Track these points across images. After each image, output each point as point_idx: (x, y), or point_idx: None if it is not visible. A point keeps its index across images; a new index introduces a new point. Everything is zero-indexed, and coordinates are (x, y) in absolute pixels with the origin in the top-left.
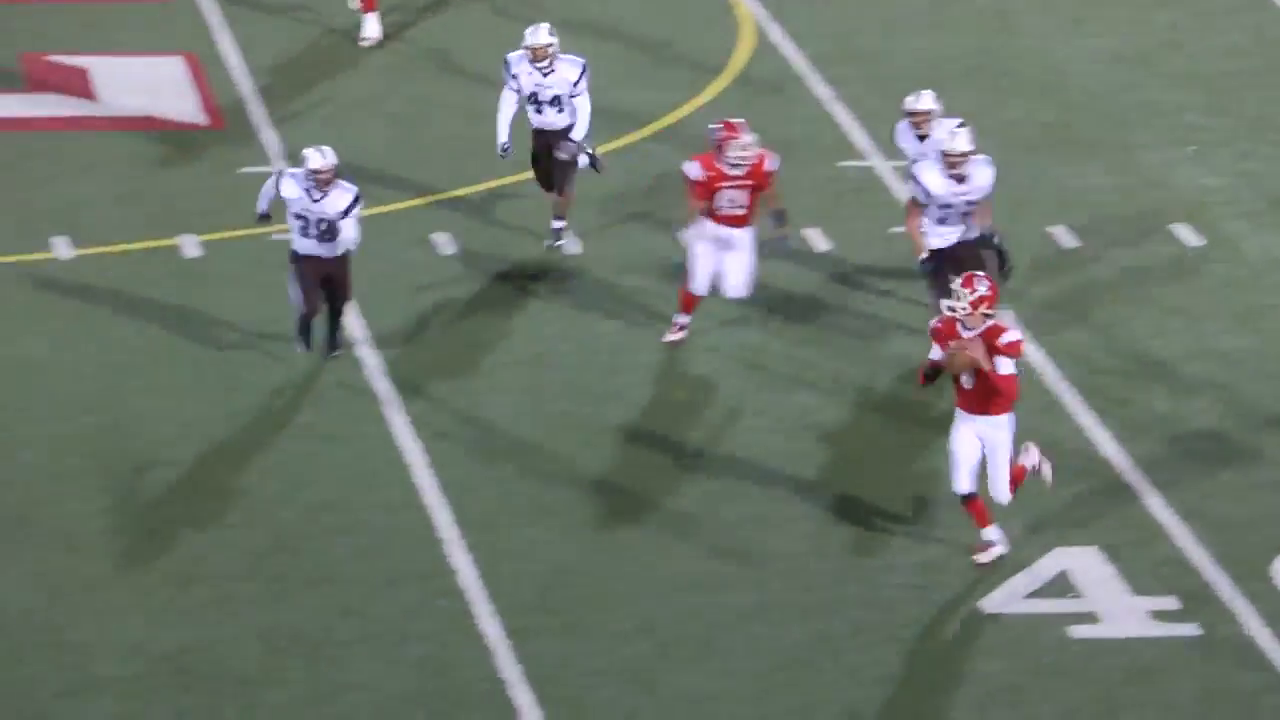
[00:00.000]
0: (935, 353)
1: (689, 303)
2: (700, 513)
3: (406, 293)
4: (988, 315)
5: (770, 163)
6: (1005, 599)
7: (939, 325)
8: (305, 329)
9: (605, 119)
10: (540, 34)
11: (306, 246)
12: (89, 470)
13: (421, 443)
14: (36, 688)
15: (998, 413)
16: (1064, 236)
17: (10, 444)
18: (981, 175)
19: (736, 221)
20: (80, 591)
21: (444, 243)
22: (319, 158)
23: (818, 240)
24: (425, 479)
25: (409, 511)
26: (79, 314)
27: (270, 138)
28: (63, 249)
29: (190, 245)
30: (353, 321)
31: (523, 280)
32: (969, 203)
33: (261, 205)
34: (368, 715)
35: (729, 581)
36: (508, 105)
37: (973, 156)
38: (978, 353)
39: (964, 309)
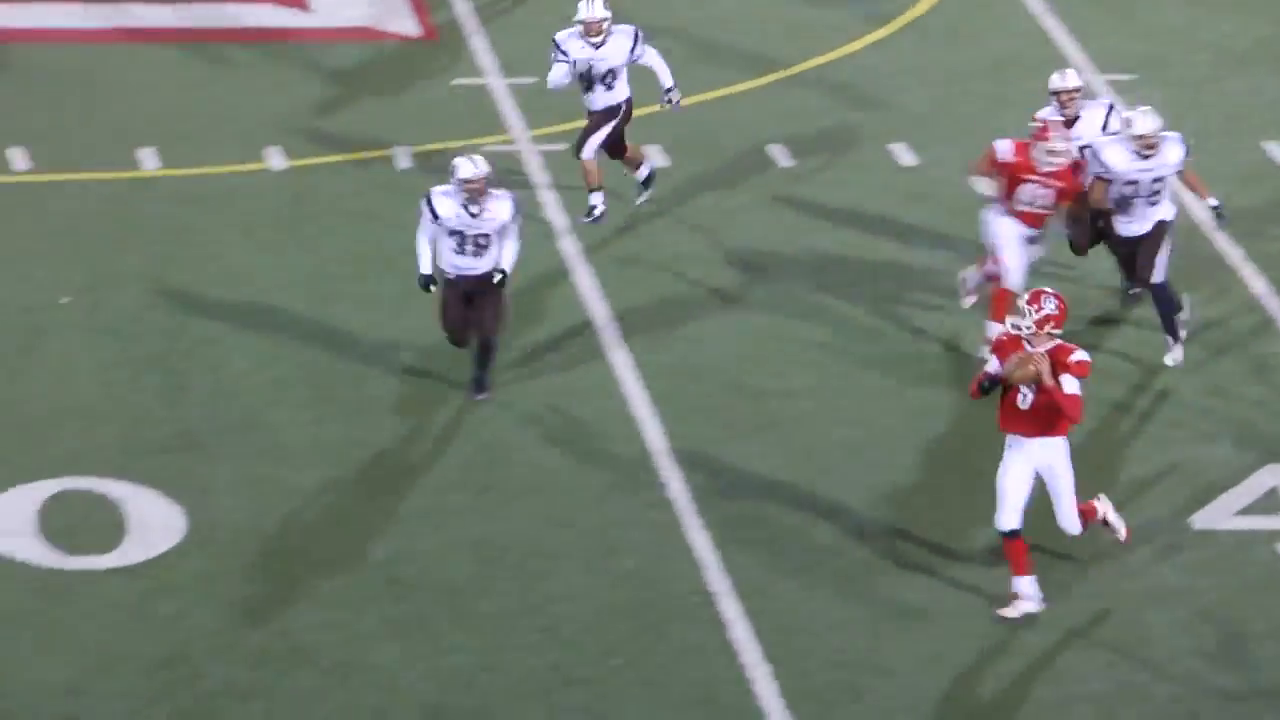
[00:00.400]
0: (993, 365)
1: (1005, 299)
2: (909, 428)
3: (619, 205)
4: (1053, 335)
5: (1081, 176)
6: (1215, 516)
7: (1003, 340)
8: (459, 343)
9: (825, 22)
10: (595, 7)
11: (455, 263)
12: (300, 380)
13: (633, 356)
14: (249, 596)
15: (1052, 434)
16: (1278, 152)
17: (224, 354)
18: (1171, 152)
19: (1034, 220)
20: (291, 501)
21: (657, 154)
22: (470, 166)
23: None
24: (636, 392)
25: (619, 424)
26: (292, 225)
27: (483, 49)
28: (276, 160)
29: (403, 157)
30: (563, 235)
31: (734, 191)
32: (1156, 179)
33: (423, 266)
34: (577, 626)
35: (940, 495)
36: (558, 76)
37: (1163, 134)
38: (1043, 367)
39: (1029, 327)
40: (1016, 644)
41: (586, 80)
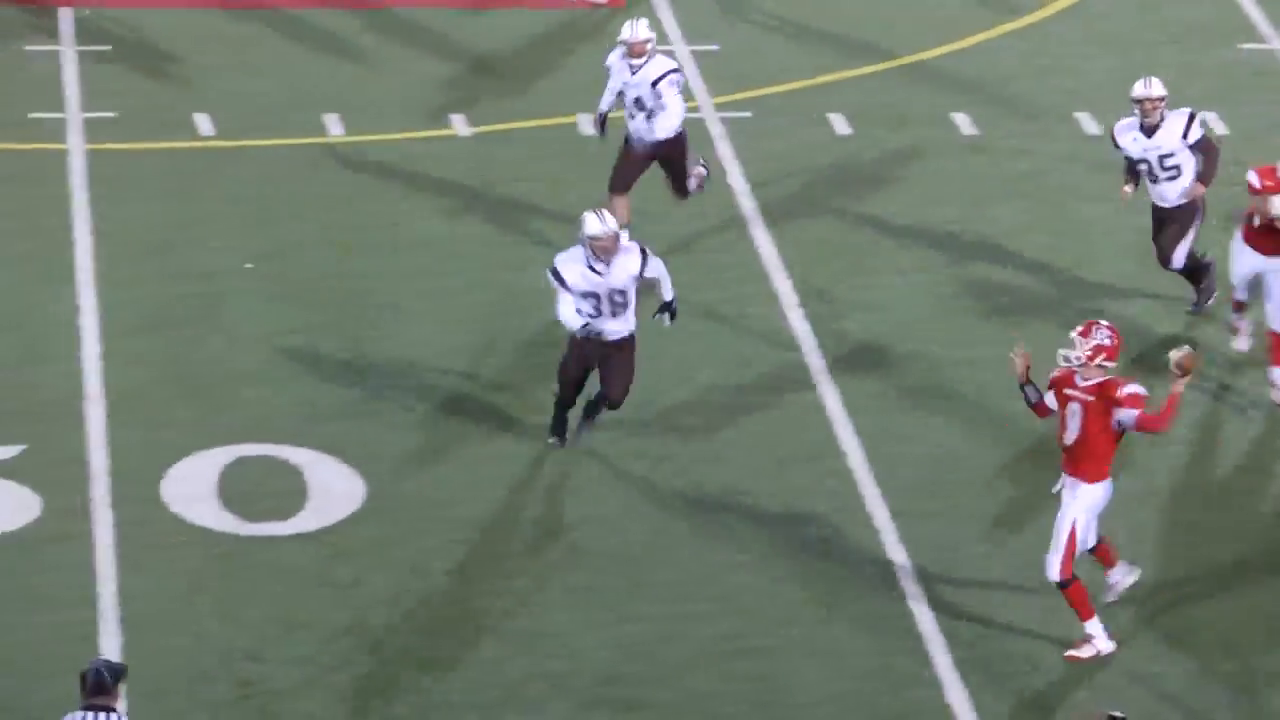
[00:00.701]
0: (1050, 400)
1: (1238, 306)
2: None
3: (800, 171)
4: (1104, 367)
5: None
6: None
7: (1058, 375)
8: (561, 415)
9: None
10: (639, 28)
11: (589, 324)
12: (479, 346)
13: (809, 324)
14: (430, 561)
15: (1081, 479)
16: None
17: (404, 321)
18: None
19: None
20: (470, 469)
21: (840, 123)
22: (597, 222)
23: (1215, 124)
24: (815, 360)
25: (797, 393)
26: (475, 192)
27: (666, 16)
28: (461, 126)
29: (587, 123)
30: (744, 201)
31: (917, 159)
32: None
33: (571, 323)
34: (755, 595)
35: (1116, 468)
36: (605, 99)
37: None
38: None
39: (1079, 359)
40: (1197, 619)
41: (629, 106)
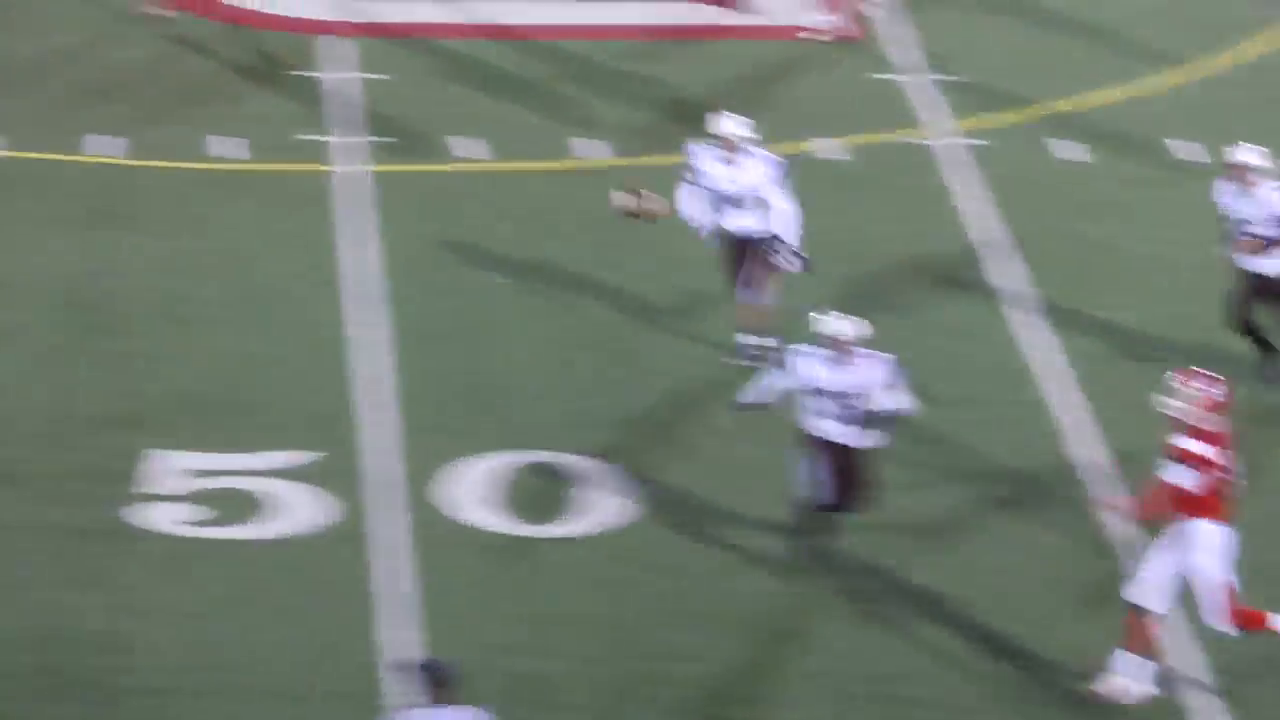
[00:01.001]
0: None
1: None
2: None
3: (1038, 195)
4: (1206, 418)
5: None
6: None
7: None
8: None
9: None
10: (727, 124)
11: (827, 429)
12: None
13: (1056, 337)
14: (692, 563)
15: (1195, 517)
16: None
17: (658, 336)
18: None
19: None
20: (730, 475)
21: (1075, 149)
22: (833, 323)
23: None
24: (1058, 371)
25: (1036, 409)
26: None
27: (913, 48)
28: None
29: (821, 148)
30: (985, 224)
31: (1147, 186)
32: None
33: (752, 395)
34: (1006, 601)
35: (1267, 488)
36: (690, 199)
37: None
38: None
39: (1184, 409)
40: None
41: (720, 201)
